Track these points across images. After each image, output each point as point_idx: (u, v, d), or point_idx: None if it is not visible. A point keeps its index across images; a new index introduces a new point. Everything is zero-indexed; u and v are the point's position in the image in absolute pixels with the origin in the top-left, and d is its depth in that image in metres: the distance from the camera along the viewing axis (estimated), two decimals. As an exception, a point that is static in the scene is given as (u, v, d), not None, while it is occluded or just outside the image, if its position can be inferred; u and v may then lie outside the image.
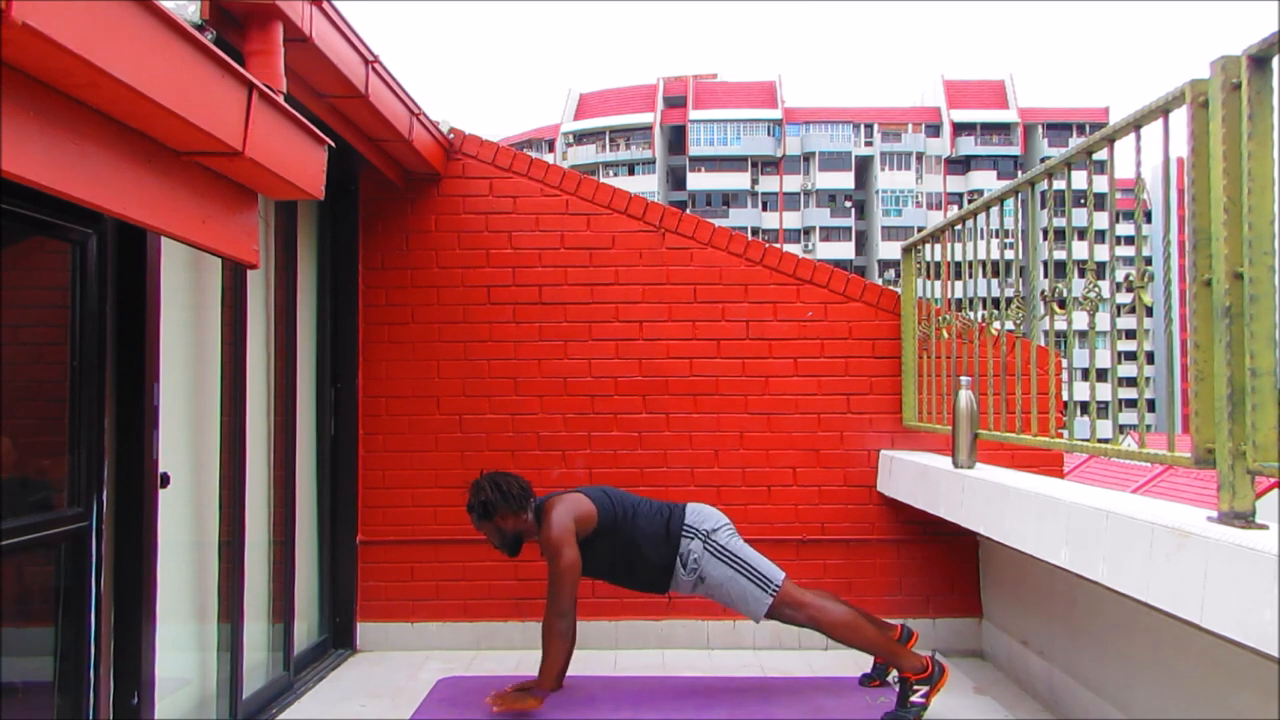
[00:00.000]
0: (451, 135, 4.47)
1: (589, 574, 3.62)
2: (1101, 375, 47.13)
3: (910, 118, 59.70)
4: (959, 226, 3.70)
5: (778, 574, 3.51)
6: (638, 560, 3.57)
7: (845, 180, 58.06)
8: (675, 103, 59.42)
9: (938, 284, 4.02)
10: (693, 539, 3.54)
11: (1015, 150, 58.13)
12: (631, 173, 58.00)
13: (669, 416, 4.46)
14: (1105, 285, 2.69)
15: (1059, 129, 57.79)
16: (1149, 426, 2.59)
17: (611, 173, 57.08)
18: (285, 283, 3.93)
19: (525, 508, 3.60)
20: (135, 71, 1.60)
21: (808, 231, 58.59)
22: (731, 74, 74.22)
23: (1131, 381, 49.97)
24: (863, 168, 58.83)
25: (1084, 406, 2.84)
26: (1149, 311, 2.30)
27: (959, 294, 3.74)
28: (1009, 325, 3.32)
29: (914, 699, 3.34)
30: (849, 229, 58.52)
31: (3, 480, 2.29)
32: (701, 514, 3.62)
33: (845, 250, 57.28)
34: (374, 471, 4.44)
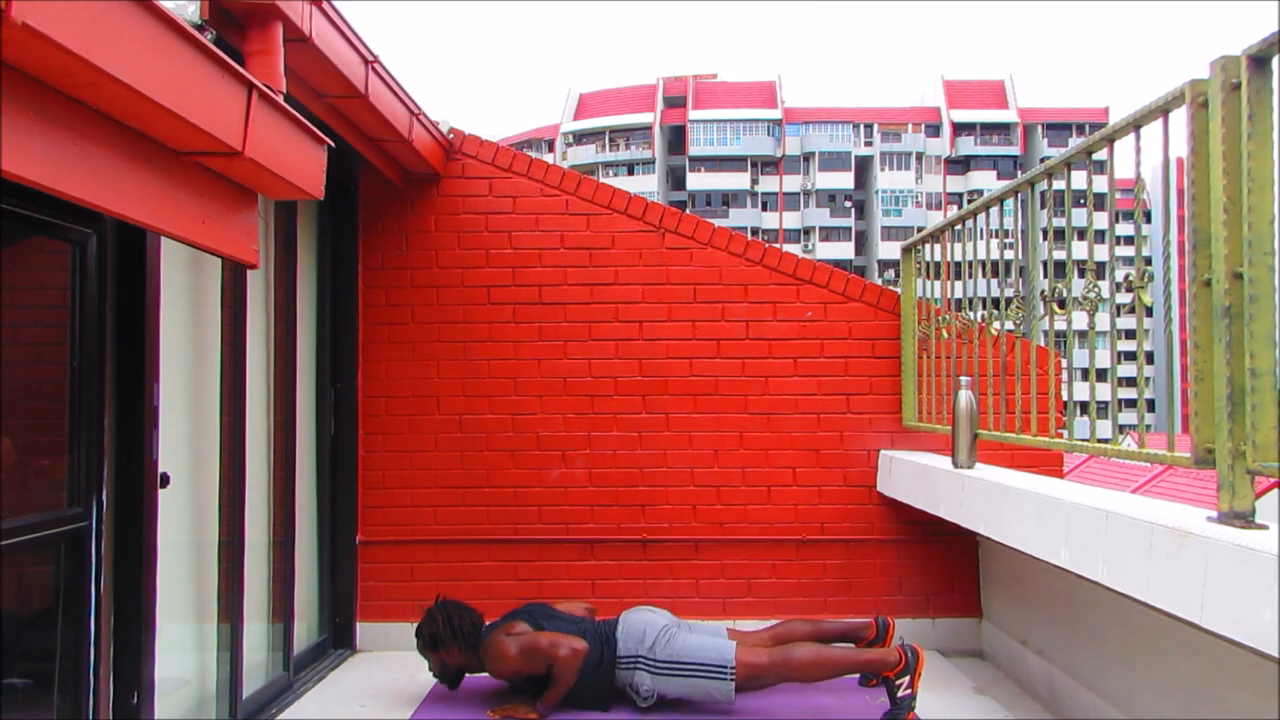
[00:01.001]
0: (451, 135, 4.47)
1: (526, 692, 3.54)
2: (1101, 375, 47.06)
3: (910, 118, 59.68)
4: (959, 226, 3.70)
5: (728, 653, 3.40)
6: (579, 691, 3.47)
7: (845, 180, 58.02)
8: (675, 103, 59.39)
9: (937, 284, 4.02)
10: (634, 670, 3.45)
11: (1015, 150, 58.11)
12: (631, 173, 57.97)
13: (669, 416, 4.46)
14: (1105, 285, 2.69)
15: (1059, 129, 57.76)
16: (1149, 426, 2.59)
17: (611, 173, 57.05)
18: (285, 283, 3.93)
19: (474, 644, 3.54)
20: (135, 71, 1.60)
21: (807, 231, 58.57)
22: (731, 74, 74.22)
23: (1131, 381, 49.98)
24: (862, 168, 58.82)
25: (1084, 406, 2.83)
26: (1149, 311, 2.30)
27: (959, 294, 3.74)
28: (1009, 325, 3.32)
29: (900, 694, 3.35)
30: (849, 229, 58.50)
31: (3, 480, 2.28)
32: (630, 633, 3.50)
33: (845, 250, 57.26)
34: (374, 471, 4.44)
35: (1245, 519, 1.96)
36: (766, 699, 3.64)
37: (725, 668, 3.38)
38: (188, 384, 3.16)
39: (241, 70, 2.00)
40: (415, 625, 3.64)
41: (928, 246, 4.24)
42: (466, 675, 3.68)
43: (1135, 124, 2.33)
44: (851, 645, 3.68)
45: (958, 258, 3.72)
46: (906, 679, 3.35)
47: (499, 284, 4.47)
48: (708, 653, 3.42)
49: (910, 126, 59.16)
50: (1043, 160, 2.99)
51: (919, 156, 58.45)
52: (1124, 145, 2.48)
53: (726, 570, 4.43)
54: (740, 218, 56.19)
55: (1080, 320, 2.65)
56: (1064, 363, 2.98)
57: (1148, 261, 2.32)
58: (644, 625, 3.53)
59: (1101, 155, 2.56)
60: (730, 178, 58.26)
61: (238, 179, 2.21)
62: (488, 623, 3.64)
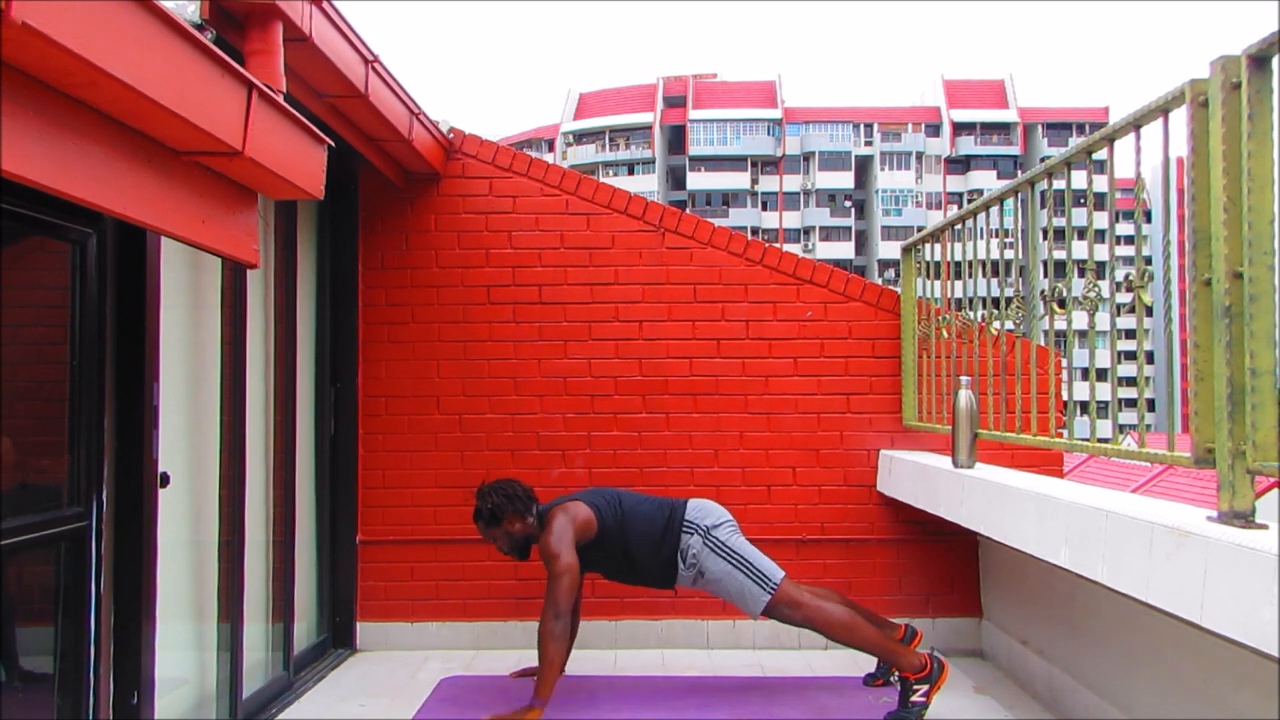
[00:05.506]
0: (451, 135, 4.47)
1: (596, 570, 3.69)
2: (1101, 375, 47.11)
3: (910, 117, 59.66)
4: (959, 226, 3.70)
5: (777, 573, 3.51)
6: (641, 559, 3.60)
7: (845, 180, 58.01)
8: (675, 102, 59.37)
9: (937, 284, 4.02)
10: (692, 534, 3.56)
11: (1015, 150, 58.08)
12: (631, 172, 57.95)
13: (669, 416, 4.46)
14: (1105, 285, 2.69)
15: (1059, 129, 57.74)
16: (1149, 426, 2.59)
17: (611, 172, 57.03)
18: (285, 283, 3.93)
19: (530, 510, 3.64)
20: (135, 71, 1.60)
21: (808, 231, 58.56)
22: (731, 74, 74.14)
23: (1131, 381, 49.98)
24: (862, 167, 58.80)
25: (1084, 406, 2.83)
26: (1149, 311, 2.30)
27: (959, 294, 3.74)
28: (1009, 325, 3.32)
29: (914, 698, 3.34)
30: (849, 229, 58.49)
31: (2, 480, 2.28)
32: (703, 509, 3.64)
33: (845, 250, 57.25)
34: (374, 471, 4.44)
35: (1245, 519, 1.96)
36: (767, 698, 3.65)
37: (769, 580, 3.48)
38: (188, 384, 3.16)
39: (241, 70, 2.00)
40: (472, 512, 3.69)
41: (928, 246, 4.24)
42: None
43: (1135, 124, 2.33)
44: None
45: (958, 257, 3.72)
46: (925, 687, 3.35)
47: (499, 284, 4.47)
48: (761, 561, 3.54)
49: (910, 126, 59.14)
50: (1043, 160, 3.00)
51: (919, 156, 58.43)
52: (1124, 145, 2.48)
53: (726, 570, 4.43)
54: (740, 217, 56.17)
55: (1080, 320, 2.65)
56: (1064, 362, 2.98)
57: (1148, 261, 2.32)
58: (716, 509, 3.68)
59: (1101, 155, 2.56)
60: (730, 177, 58.23)
61: (237, 179, 2.21)
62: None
